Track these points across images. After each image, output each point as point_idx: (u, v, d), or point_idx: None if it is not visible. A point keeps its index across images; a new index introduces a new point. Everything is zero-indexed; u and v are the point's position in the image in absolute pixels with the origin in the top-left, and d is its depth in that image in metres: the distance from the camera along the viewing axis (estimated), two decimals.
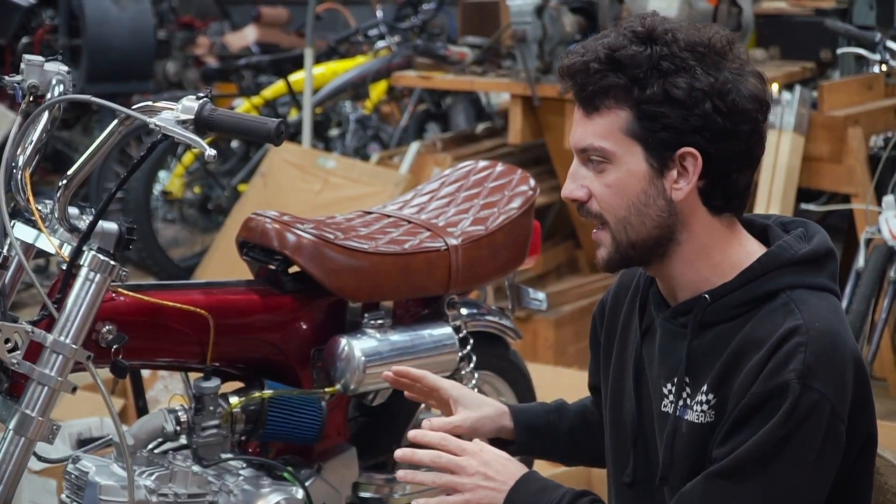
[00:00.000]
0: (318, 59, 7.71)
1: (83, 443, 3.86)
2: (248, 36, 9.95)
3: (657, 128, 2.03)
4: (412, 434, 2.14)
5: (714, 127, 2.02)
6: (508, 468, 2.11)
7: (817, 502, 2.03)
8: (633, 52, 2.03)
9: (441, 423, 2.26)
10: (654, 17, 2.08)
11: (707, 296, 2.08)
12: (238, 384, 2.95)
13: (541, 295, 3.60)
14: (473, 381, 3.26)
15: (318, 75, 7.28)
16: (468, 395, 2.36)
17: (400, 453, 2.12)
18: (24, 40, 8.05)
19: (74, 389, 2.50)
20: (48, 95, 2.55)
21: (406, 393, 2.40)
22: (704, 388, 2.07)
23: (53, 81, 2.56)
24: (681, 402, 2.11)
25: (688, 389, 2.10)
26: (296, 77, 7.40)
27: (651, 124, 2.03)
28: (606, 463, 2.31)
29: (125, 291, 2.64)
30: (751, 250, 2.11)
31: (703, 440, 2.07)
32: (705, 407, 2.07)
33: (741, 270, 2.08)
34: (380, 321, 3.04)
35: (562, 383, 4.28)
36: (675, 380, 2.11)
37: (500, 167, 3.49)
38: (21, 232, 2.58)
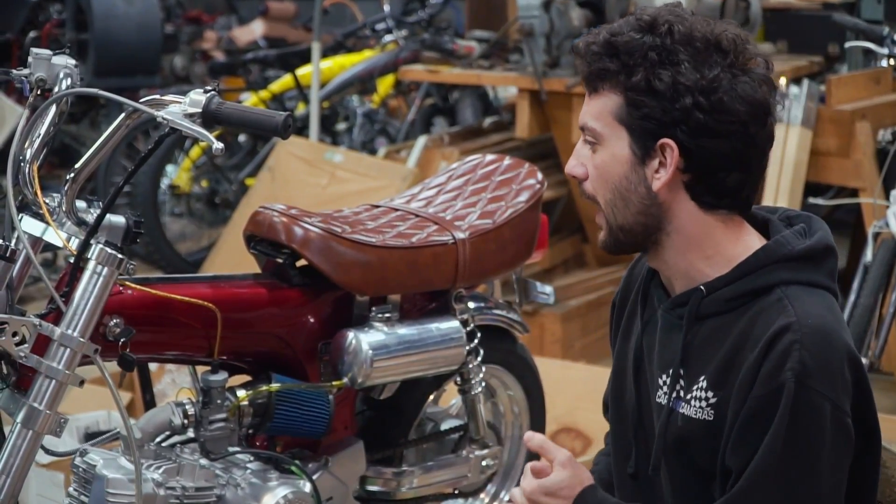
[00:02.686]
0: (326, 54, 7.71)
1: (90, 436, 3.86)
2: (255, 30, 9.96)
3: (640, 116, 2.05)
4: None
5: (694, 123, 2.02)
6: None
7: (837, 499, 2.03)
8: (628, 40, 2.05)
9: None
10: (669, 7, 2.09)
11: (703, 287, 2.09)
12: (245, 378, 2.95)
13: (548, 289, 3.60)
14: (481, 375, 3.26)
15: (325, 69, 7.28)
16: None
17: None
18: (32, 35, 8.06)
19: (82, 383, 2.50)
20: (56, 89, 2.55)
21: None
22: (703, 383, 2.08)
23: (61, 75, 2.56)
24: (674, 394, 2.12)
25: (682, 381, 2.11)
26: (303, 71, 7.40)
27: (635, 112, 2.05)
28: (612, 454, 2.31)
29: (132, 285, 2.64)
30: (749, 244, 2.11)
31: (700, 436, 2.08)
32: (703, 404, 2.07)
33: (737, 264, 2.08)
34: (387, 315, 3.04)
35: (569, 377, 4.28)
36: (671, 371, 2.12)
37: (507, 161, 3.49)
38: (29, 225, 2.59)
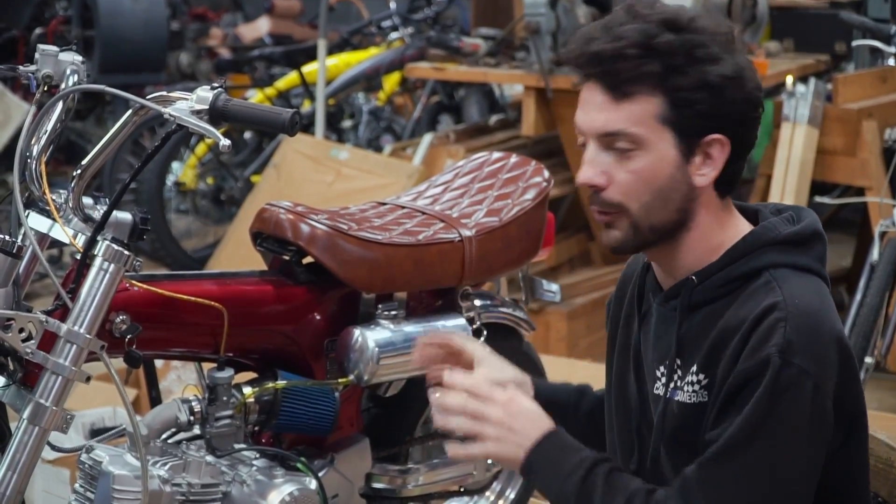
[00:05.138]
0: (332, 51, 7.70)
1: (97, 432, 3.86)
2: (261, 27, 9.95)
3: (692, 114, 2.05)
4: (446, 377, 2.12)
5: (737, 114, 2.07)
6: (535, 423, 2.10)
7: (809, 479, 2.03)
8: (670, 40, 2.04)
9: (460, 379, 2.15)
10: (672, 7, 2.10)
11: (694, 277, 2.11)
12: (251, 375, 2.95)
13: (554, 287, 3.60)
14: None
15: (331, 67, 7.28)
16: (491, 358, 2.28)
17: (434, 398, 2.13)
18: (38, 31, 8.08)
19: (88, 379, 2.50)
20: (62, 85, 2.55)
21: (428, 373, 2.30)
22: (695, 368, 2.09)
23: (68, 71, 2.56)
24: (672, 385, 2.12)
25: (679, 372, 2.12)
26: (309, 68, 7.39)
27: (686, 111, 2.05)
28: (613, 448, 2.31)
29: (138, 283, 2.64)
30: (741, 230, 2.13)
31: (695, 419, 2.08)
32: (696, 387, 2.08)
33: (726, 250, 2.10)
34: (393, 312, 3.04)
35: (575, 375, 4.27)
36: (667, 363, 2.13)
37: (513, 159, 3.49)
38: (35, 222, 2.58)
